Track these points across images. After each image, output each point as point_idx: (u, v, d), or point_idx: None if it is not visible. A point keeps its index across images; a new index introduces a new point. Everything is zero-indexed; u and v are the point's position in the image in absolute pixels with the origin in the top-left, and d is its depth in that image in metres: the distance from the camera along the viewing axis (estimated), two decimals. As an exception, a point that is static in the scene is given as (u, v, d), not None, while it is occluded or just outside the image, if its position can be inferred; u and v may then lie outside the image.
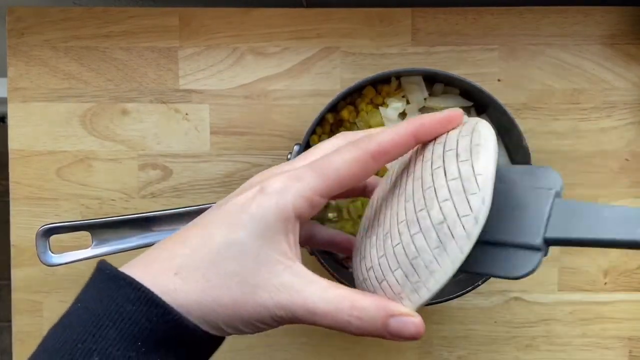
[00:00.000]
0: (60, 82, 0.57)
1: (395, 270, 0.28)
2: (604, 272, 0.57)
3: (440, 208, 0.27)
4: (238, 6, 0.57)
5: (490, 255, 0.29)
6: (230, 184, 0.57)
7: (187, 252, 0.28)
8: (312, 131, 0.50)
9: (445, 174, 0.28)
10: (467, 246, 0.26)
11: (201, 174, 0.57)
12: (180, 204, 0.56)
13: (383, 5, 0.57)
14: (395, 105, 0.51)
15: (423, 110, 0.53)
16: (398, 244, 0.28)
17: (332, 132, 0.52)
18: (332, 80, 0.57)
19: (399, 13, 0.57)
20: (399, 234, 0.29)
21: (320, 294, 0.28)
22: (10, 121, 0.57)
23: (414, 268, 0.27)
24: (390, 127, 0.30)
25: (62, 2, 0.60)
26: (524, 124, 0.56)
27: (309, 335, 0.57)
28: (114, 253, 0.48)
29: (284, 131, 0.57)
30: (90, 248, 0.49)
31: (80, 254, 0.49)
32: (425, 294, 0.27)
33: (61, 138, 0.57)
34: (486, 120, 0.53)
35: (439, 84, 0.53)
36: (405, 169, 0.32)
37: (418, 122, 0.30)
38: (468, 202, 0.26)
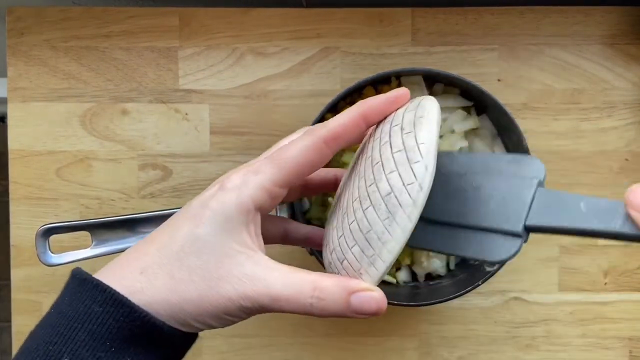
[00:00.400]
0: (60, 82, 0.57)
1: (352, 247, 0.29)
2: (604, 273, 0.57)
3: (387, 180, 0.28)
4: (238, 6, 0.57)
5: (473, 239, 0.30)
6: (230, 184, 0.57)
7: (153, 251, 0.29)
8: (312, 131, 0.50)
9: (391, 148, 0.29)
10: (414, 213, 0.27)
11: (201, 174, 0.57)
12: (180, 204, 0.56)
13: (383, 5, 0.57)
14: (395, 105, 0.51)
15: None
16: (353, 221, 0.29)
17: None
18: (332, 80, 0.57)
19: (399, 13, 0.57)
20: (354, 211, 0.29)
21: (282, 279, 0.29)
22: (10, 121, 0.57)
23: (368, 242, 0.28)
24: (341, 113, 0.31)
25: (62, 2, 0.60)
26: (524, 124, 0.56)
27: (309, 335, 0.57)
28: (114, 253, 0.48)
29: (284, 131, 0.57)
30: (90, 248, 0.49)
31: (80, 254, 0.49)
32: (381, 265, 0.28)
33: (61, 138, 0.57)
34: (486, 120, 0.53)
35: (439, 84, 0.53)
36: (361, 150, 0.33)
37: (365, 104, 0.31)
38: (412, 171, 0.27)
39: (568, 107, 0.57)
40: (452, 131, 0.52)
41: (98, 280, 0.28)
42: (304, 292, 0.29)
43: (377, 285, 0.29)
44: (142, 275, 0.29)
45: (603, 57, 0.57)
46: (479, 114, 0.53)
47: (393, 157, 0.28)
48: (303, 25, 0.57)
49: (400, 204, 0.27)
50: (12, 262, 0.57)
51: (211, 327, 0.30)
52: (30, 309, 0.56)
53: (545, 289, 0.57)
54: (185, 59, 0.57)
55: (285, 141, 0.33)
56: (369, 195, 0.28)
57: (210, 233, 0.29)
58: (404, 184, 0.27)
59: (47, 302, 0.57)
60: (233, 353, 0.57)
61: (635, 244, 0.26)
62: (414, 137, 0.28)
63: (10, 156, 0.57)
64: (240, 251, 0.29)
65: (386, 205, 0.27)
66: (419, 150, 0.27)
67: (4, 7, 0.56)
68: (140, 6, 0.62)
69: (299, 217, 0.49)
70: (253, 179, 0.30)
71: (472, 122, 0.52)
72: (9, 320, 0.56)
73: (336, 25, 0.57)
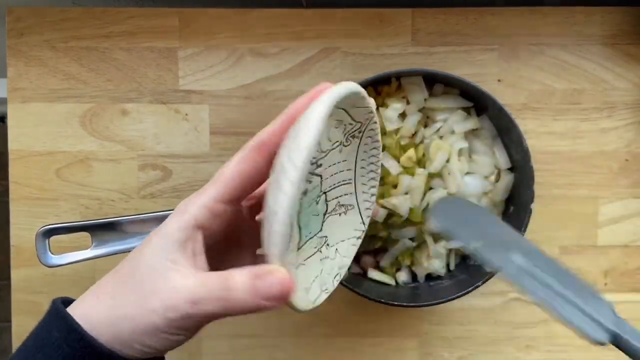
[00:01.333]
0: (59, 82, 0.57)
1: (263, 237, 0.29)
2: (604, 273, 0.57)
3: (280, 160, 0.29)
4: (238, 6, 0.57)
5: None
6: (230, 184, 0.57)
7: (110, 276, 0.32)
8: (312, 132, 0.50)
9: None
10: (294, 174, 0.28)
11: (201, 174, 0.57)
12: (180, 205, 0.56)
13: (383, 5, 0.57)
14: (395, 106, 0.51)
15: (423, 111, 0.53)
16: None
17: (332, 133, 0.52)
18: (333, 80, 0.56)
19: (399, 13, 0.57)
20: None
21: (201, 281, 0.29)
22: (10, 121, 0.57)
23: (268, 221, 0.28)
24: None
25: (62, 3, 0.60)
26: (524, 124, 0.56)
27: (309, 335, 0.57)
28: (114, 254, 0.48)
29: (284, 131, 0.57)
30: (90, 249, 0.49)
31: (80, 255, 0.49)
32: (275, 239, 0.28)
33: (61, 138, 0.57)
34: (486, 120, 0.53)
35: (439, 85, 0.53)
36: None
37: (292, 107, 0.33)
38: (298, 143, 0.28)
39: (568, 107, 0.57)
40: (452, 132, 0.52)
41: (61, 308, 0.31)
42: (218, 285, 0.29)
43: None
44: (97, 299, 0.31)
45: (603, 57, 0.57)
46: (478, 114, 0.53)
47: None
48: (303, 25, 0.57)
49: (285, 171, 0.28)
50: (12, 262, 0.57)
51: (155, 349, 0.30)
52: (30, 309, 0.57)
53: (545, 290, 0.57)
54: (185, 59, 0.57)
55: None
56: (275, 181, 0.29)
57: (149, 254, 0.30)
58: (289, 158, 0.28)
59: (47, 302, 0.56)
60: (233, 354, 0.57)
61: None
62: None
63: (10, 156, 0.57)
64: (172, 268, 0.30)
65: (277, 177, 0.28)
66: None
67: (3, 7, 0.56)
68: (140, 7, 0.62)
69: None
70: (196, 200, 0.31)
71: (472, 122, 0.52)
72: (9, 320, 0.56)
73: (336, 25, 0.57)
